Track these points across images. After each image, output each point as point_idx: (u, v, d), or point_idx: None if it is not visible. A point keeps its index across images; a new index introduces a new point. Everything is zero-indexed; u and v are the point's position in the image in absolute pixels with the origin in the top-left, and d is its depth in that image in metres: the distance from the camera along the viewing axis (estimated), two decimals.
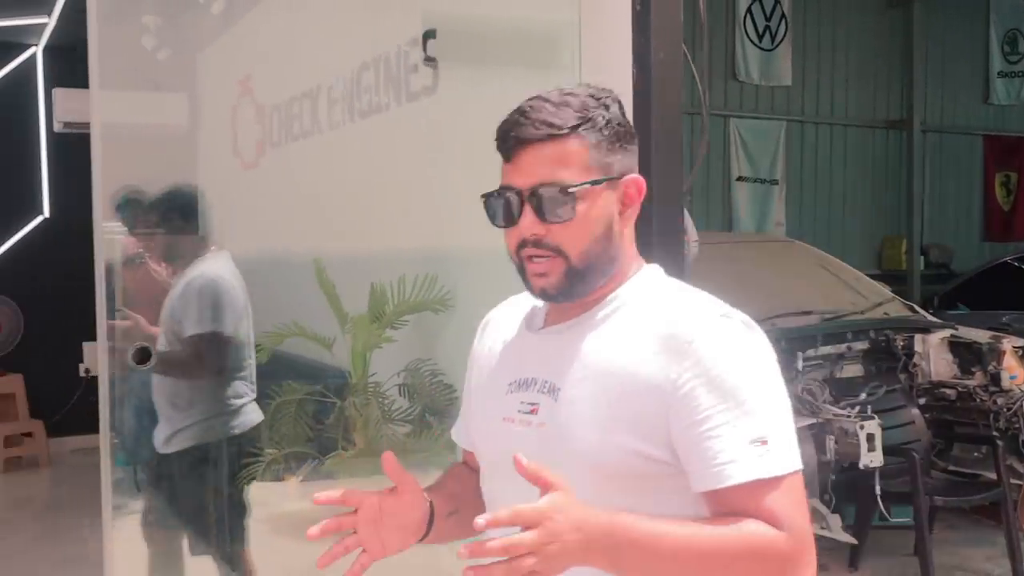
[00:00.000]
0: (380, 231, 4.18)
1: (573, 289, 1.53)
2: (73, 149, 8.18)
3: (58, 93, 7.98)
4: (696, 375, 1.41)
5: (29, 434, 7.72)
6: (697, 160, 3.09)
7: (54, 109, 8.01)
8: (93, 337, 8.20)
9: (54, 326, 7.97)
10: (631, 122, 1.62)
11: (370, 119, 4.81)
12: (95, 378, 8.08)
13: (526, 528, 1.27)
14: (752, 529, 1.37)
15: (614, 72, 2.68)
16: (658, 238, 2.59)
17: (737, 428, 1.39)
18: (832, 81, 11.09)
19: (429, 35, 4.10)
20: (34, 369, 7.83)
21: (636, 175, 1.55)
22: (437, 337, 4.03)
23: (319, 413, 4.13)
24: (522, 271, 1.54)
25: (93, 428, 8.34)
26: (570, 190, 1.47)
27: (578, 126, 1.49)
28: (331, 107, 5.66)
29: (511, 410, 1.56)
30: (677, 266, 2.65)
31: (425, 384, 3.91)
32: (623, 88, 2.66)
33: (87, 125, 8.23)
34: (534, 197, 1.48)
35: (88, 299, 8.10)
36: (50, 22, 7.13)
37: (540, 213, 1.49)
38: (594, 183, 1.49)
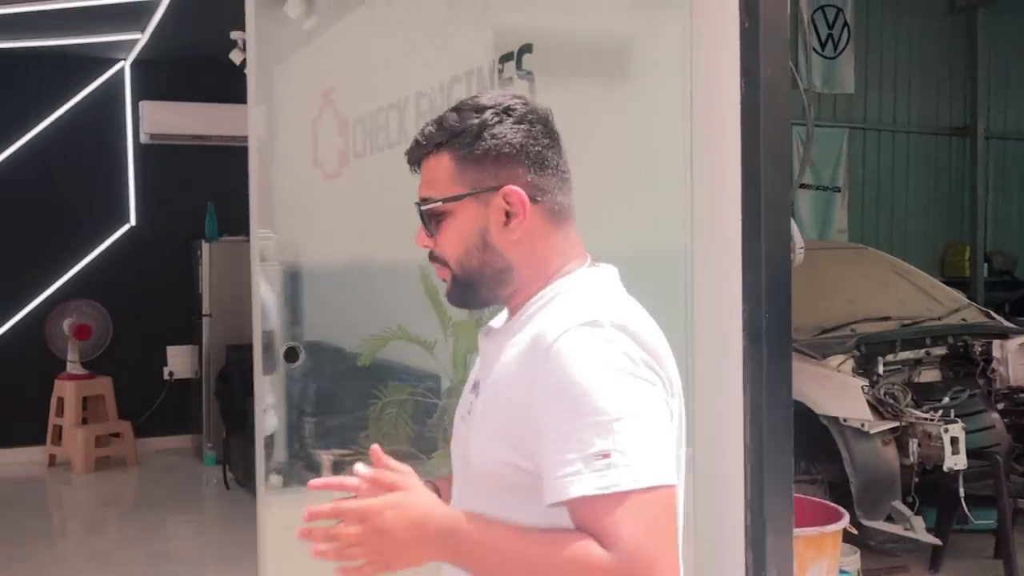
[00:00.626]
0: None
1: (465, 297, 1.59)
2: (158, 160, 8.50)
3: (144, 106, 8.30)
4: (548, 383, 1.39)
5: (117, 434, 8.00)
6: (800, 171, 3.21)
7: (140, 121, 8.34)
8: (176, 341, 8.54)
9: (139, 330, 8.26)
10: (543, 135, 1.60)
11: None
12: (178, 381, 8.41)
13: (347, 522, 1.35)
14: (579, 546, 1.32)
15: (722, 86, 2.82)
16: (767, 245, 2.72)
17: (581, 440, 1.34)
18: (895, 88, 11.09)
19: (525, 49, 4.28)
20: (121, 372, 8.11)
21: (513, 187, 1.52)
22: None
23: (420, 413, 4.31)
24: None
25: (176, 430, 8.68)
26: (428, 207, 1.55)
27: (443, 143, 1.54)
28: (419, 119, 5.85)
29: (463, 409, 1.62)
30: (785, 272, 2.79)
31: None
32: (731, 101, 2.80)
33: (172, 136, 8.57)
34: (418, 213, 1.57)
35: (170, 304, 8.44)
36: (142, 38, 7.41)
37: (425, 227, 1.57)
38: (454, 199, 1.53)
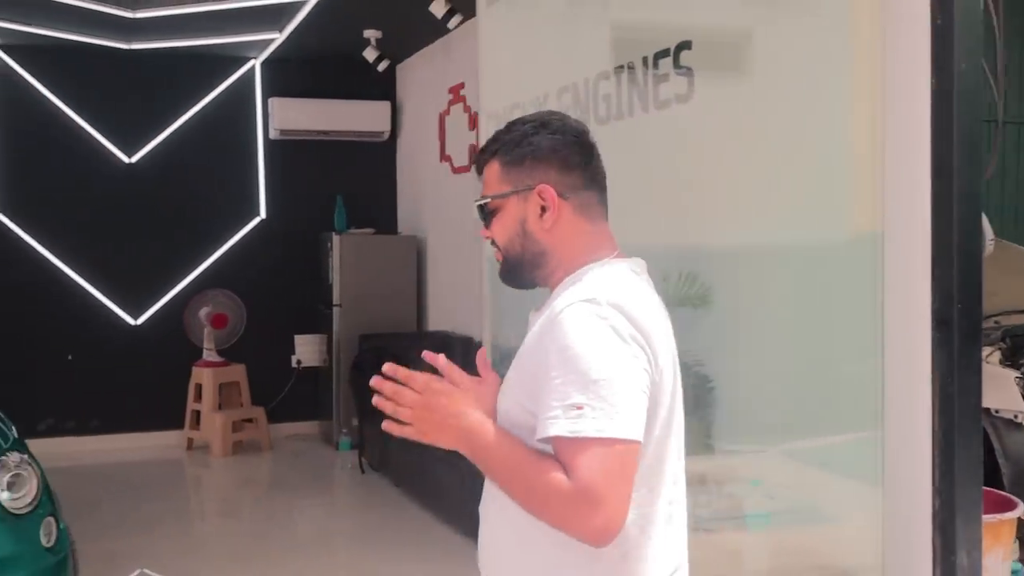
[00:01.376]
0: (638, 231, 4.45)
1: (512, 277, 1.95)
2: (286, 155, 8.79)
3: (274, 103, 8.58)
4: (552, 344, 1.69)
5: (250, 420, 8.32)
6: (988, 166, 3.25)
7: (270, 117, 8.63)
8: (303, 330, 8.81)
9: (269, 320, 8.56)
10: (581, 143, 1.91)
11: (609, 125, 5.09)
12: (306, 369, 8.67)
13: (411, 388, 1.75)
14: (553, 474, 1.63)
15: (914, 82, 2.87)
16: (958, 238, 2.78)
17: (564, 392, 1.64)
18: None
19: (684, 46, 4.36)
20: (254, 359, 8.43)
21: (546, 185, 1.86)
22: (692, 331, 4.27)
23: None
24: None
25: (305, 416, 8.96)
26: (484, 203, 1.92)
27: (495, 151, 1.92)
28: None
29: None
30: (976, 264, 2.84)
31: (684, 375, 4.15)
32: (922, 97, 2.85)
33: (300, 132, 8.83)
34: (477, 209, 1.95)
35: (298, 294, 8.71)
36: (279, 37, 7.66)
37: (483, 221, 1.94)
38: (501, 196, 1.89)
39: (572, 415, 1.62)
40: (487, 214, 1.92)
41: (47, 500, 3.74)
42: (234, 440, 8.13)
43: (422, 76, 8.42)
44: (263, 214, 8.74)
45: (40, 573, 3.54)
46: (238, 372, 8.31)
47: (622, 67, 5.11)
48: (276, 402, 8.60)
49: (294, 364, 8.71)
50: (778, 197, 3.53)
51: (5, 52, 7.98)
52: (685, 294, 4.07)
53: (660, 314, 1.83)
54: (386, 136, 8.88)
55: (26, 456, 3.76)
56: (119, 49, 7.90)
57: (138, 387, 8.32)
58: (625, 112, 5.03)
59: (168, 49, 7.98)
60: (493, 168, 1.91)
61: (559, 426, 1.63)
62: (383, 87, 8.88)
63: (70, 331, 8.18)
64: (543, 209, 1.86)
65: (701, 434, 4.27)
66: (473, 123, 7.31)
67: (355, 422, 7.76)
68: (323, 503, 7.09)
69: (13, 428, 3.93)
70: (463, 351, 7.22)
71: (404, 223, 8.94)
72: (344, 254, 8.12)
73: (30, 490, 3.66)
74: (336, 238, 8.17)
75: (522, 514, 1.70)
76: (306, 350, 8.73)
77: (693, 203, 4.37)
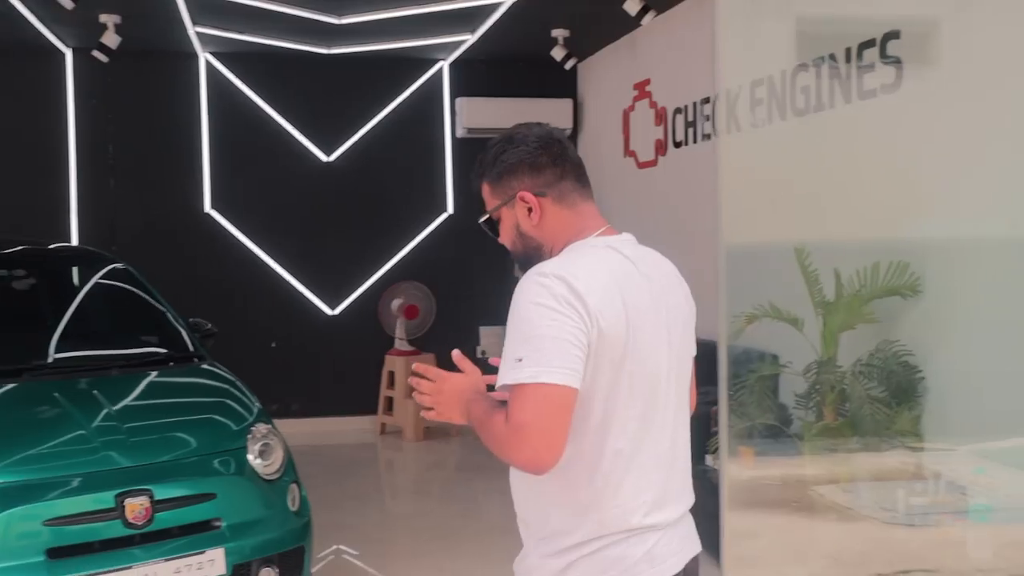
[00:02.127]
0: (841, 222, 4.48)
1: (527, 261, 2.21)
2: (473, 152, 9.05)
3: (461, 102, 8.90)
4: (510, 310, 2.01)
5: None
6: None
7: (457, 116, 8.95)
8: (487, 322, 9.07)
9: (456, 311, 8.88)
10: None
11: (807, 117, 5.11)
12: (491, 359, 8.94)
13: (429, 380, 2.15)
14: (497, 415, 1.97)
15: None
16: None
17: (512, 349, 1.96)
18: None
19: (892, 36, 4.36)
20: (442, 350, 8.74)
21: (523, 191, 2.16)
22: (901, 320, 4.27)
23: (783, 389, 4.49)
24: None
25: None
26: (483, 220, 2.31)
27: (481, 175, 2.26)
28: (753, 106, 6.00)
29: None
30: None
31: (891, 364, 4.17)
32: None
33: (486, 130, 9.11)
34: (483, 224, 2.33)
35: (483, 287, 8.97)
36: (471, 39, 7.95)
37: (491, 233, 2.31)
38: (494, 210, 2.25)
39: (515, 366, 1.94)
40: (492, 227, 2.29)
41: (291, 468, 4.08)
42: (424, 426, 8.48)
43: (606, 73, 8.56)
44: (450, 209, 9.07)
45: (288, 535, 3.86)
46: (429, 361, 8.63)
47: (822, 59, 5.14)
48: None
49: (479, 355, 8.99)
50: (990, 187, 3.52)
51: (217, 59, 8.56)
52: (893, 284, 4.09)
53: (626, 283, 2.09)
54: (568, 133, 9.06)
55: (272, 427, 4.10)
56: (320, 54, 8.35)
57: (335, 374, 8.79)
58: (826, 103, 5.06)
59: (364, 53, 8.39)
60: (485, 189, 2.27)
61: (505, 376, 1.96)
62: (565, 85, 9.07)
63: (273, 320, 8.70)
64: (529, 210, 2.17)
65: (910, 424, 4.27)
66: (659, 118, 7.40)
67: None
68: (488, 488, 7.29)
69: (257, 402, 4.29)
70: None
71: None
72: None
73: (277, 458, 4.00)
74: None
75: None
76: (490, 341, 9.01)
77: (901, 193, 4.37)
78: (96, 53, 7.42)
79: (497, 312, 8.84)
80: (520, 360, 1.93)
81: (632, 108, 7.92)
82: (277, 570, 3.81)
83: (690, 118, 6.92)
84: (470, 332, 8.94)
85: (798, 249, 4.42)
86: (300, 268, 8.80)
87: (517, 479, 2.19)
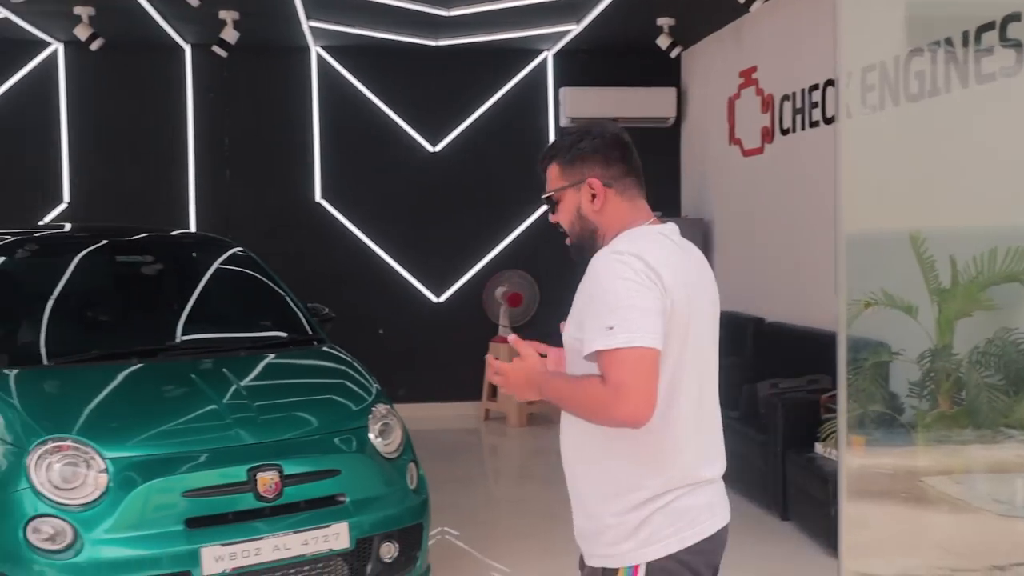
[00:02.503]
0: (956, 209, 4.42)
1: (578, 252, 2.47)
2: None
3: (565, 92, 8.96)
4: (590, 287, 2.25)
5: None
6: None
7: (561, 106, 9.02)
8: None
9: (558, 299, 8.92)
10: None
11: (921, 103, 5.05)
12: None
13: (499, 366, 2.38)
14: (590, 380, 2.15)
15: None
16: None
17: (600, 319, 2.15)
18: None
19: (1012, 18, 4.29)
20: (544, 337, 8.84)
21: (593, 178, 2.38)
22: (1020, 308, 4.21)
23: (893, 377, 4.46)
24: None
25: None
26: (548, 196, 2.49)
27: (553, 157, 2.47)
28: (865, 92, 5.93)
29: None
30: None
31: (1010, 352, 4.11)
32: None
33: (590, 119, 9.12)
34: (546, 200, 2.52)
35: (579, 277, 9.00)
36: (576, 29, 8.02)
37: (550, 211, 2.51)
38: (561, 189, 2.46)
39: (606, 333, 2.12)
40: (552, 204, 2.49)
41: (409, 448, 4.22)
42: (528, 412, 8.60)
43: (710, 61, 8.53)
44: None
45: (407, 512, 4.00)
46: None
47: (937, 43, 5.06)
48: None
49: None
50: None
51: (328, 52, 8.79)
52: (1012, 270, 4.02)
53: (681, 263, 2.32)
54: (671, 121, 9.06)
55: (391, 407, 4.25)
56: (428, 46, 8.51)
57: (440, 360, 8.96)
58: (941, 88, 4.99)
59: (470, 44, 8.52)
60: (553, 169, 2.48)
61: (597, 342, 2.14)
62: (669, 73, 9.06)
63: (380, 307, 8.90)
64: (593, 196, 2.39)
65: None
66: (766, 106, 7.36)
67: None
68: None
69: (376, 383, 4.45)
70: (754, 331, 7.31)
71: (688, 206, 9.10)
72: None
73: (396, 437, 4.15)
74: None
75: (586, 426, 2.27)
76: None
77: (1020, 178, 4.30)
78: (216, 48, 7.70)
79: None
80: (611, 328, 2.12)
81: (738, 96, 7.88)
82: (397, 546, 3.95)
83: (798, 105, 6.86)
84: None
85: (913, 236, 4.38)
86: (406, 256, 8.99)
87: (581, 445, 2.39)
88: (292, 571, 3.66)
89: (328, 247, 8.81)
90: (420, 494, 4.14)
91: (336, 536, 3.73)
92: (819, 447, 5.26)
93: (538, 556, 5.07)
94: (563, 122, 9.01)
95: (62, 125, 8.49)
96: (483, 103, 8.99)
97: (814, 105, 6.63)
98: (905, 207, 5.09)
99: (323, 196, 8.86)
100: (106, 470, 3.49)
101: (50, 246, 5.01)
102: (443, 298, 9.07)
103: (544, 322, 8.84)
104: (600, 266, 2.24)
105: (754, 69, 7.56)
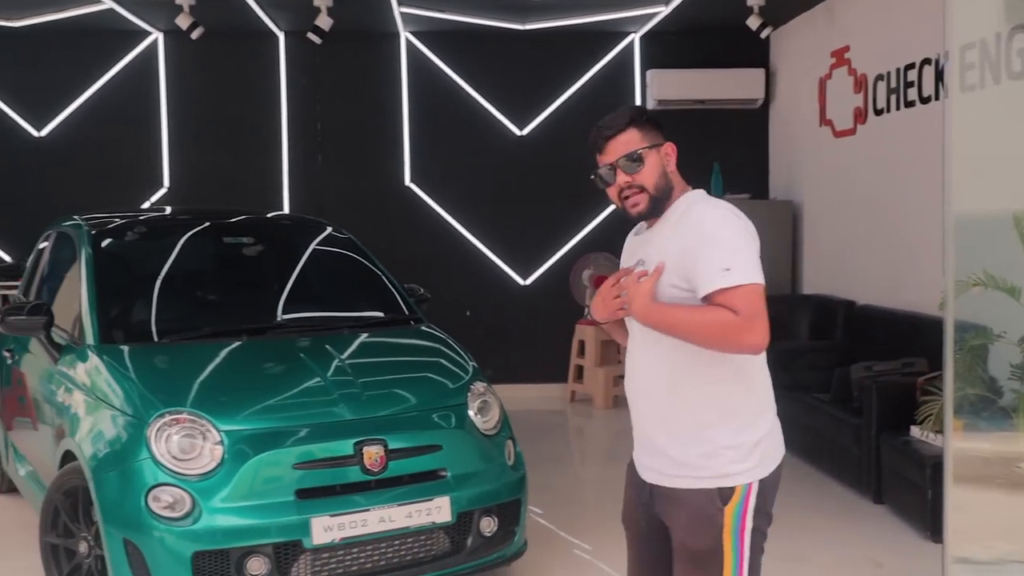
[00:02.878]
0: None
1: (655, 209, 2.72)
2: (664, 124, 9.11)
3: (652, 74, 8.95)
4: (700, 237, 2.54)
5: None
6: None
7: (648, 88, 9.01)
8: None
9: None
10: None
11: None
12: None
13: (613, 284, 2.70)
14: (720, 311, 2.45)
15: None
16: None
17: (718, 261, 2.48)
18: None
19: None
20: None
21: (670, 143, 2.73)
22: None
23: (996, 359, 4.40)
24: (623, 208, 2.79)
25: None
26: (635, 153, 2.68)
27: (628, 123, 2.71)
28: (963, 71, 5.83)
29: (637, 271, 2.72)
30: None
31: None
32: None
33: (677, 101, 9.10)
34: (620, 162, 2.70)
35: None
36: (664, 10, 8.00)
37: (625, 173, 2.70)
38: (648, 148, 2.69)
39: (726, 274, 2.47)
40: (636, 162, 2.69)
41: (506, 425, 4.31)
42: (613, 394, 8.65)
43: (800, 41, 8.43)
44: None
45: (505, 487, 4.09)
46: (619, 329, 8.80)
47: None
48: None
49: None
50: None
51: (417, 38, 8.91)
52: None
53: None
54: (759, 103, 8.99)
55: (488, 385, 4.34)
56: (515, 30, 8.57)
57: (526, 342, 9.05)
58: None
59: (557, 28, 8.56)
60: (631, 135, 2.71)
61: (719, 281, 2.47)
62: (756, 55, 8.98)
63: (468, 289, 9.02)
64: (667, 159, 2.72)
65: None
66: (859, 86, 7.27)
67: None
68: None
69: (472, 361, 4.54)
70: (845, 315, 7.24)
71: (776, 188, 9.02)
72: None
73: (494, 415, 4.24)
74: None
75: (677, 353, 2.57)
76: None
77: None
78: (311, 35, 7.86)
79: None
80: (728, 269, 2.47)
81: (829, 76, 7.79)
82: (496, 520, 4.04)
83: (893, 85, 6.76)
84: None
85: (1017, 216, 4.32)
86: (493, 239, 9.09)
87: (684, 374, 2.62)
88: (396, 543, 3.78)
89: (417, 230, 8.95)
90: (518, 470, 4.23)
91: (438, 509, 3.83)
92: (915, 430, 5.21)
93: (622, 538, 5.08)
94: (650, 104, 8.99)
95: (162, 112, 8.78)
96: (570, 86, 9.03)
97: (909, 85, 6.53)
98: (1007, 187, 5.00)
99: (412, 180, 9.00)
100: (221, 442, 3.64)
101: (158, 228, 5.20)
102: (530, 280, 9.15)
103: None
104: (711, 220, 2.58)
105: (846, 49, 7.46)
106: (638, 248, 2.83)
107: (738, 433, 2.58)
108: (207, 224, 5.16)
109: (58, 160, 8.70)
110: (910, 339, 6.13)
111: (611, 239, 8.99)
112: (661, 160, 2.69)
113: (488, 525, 4.02)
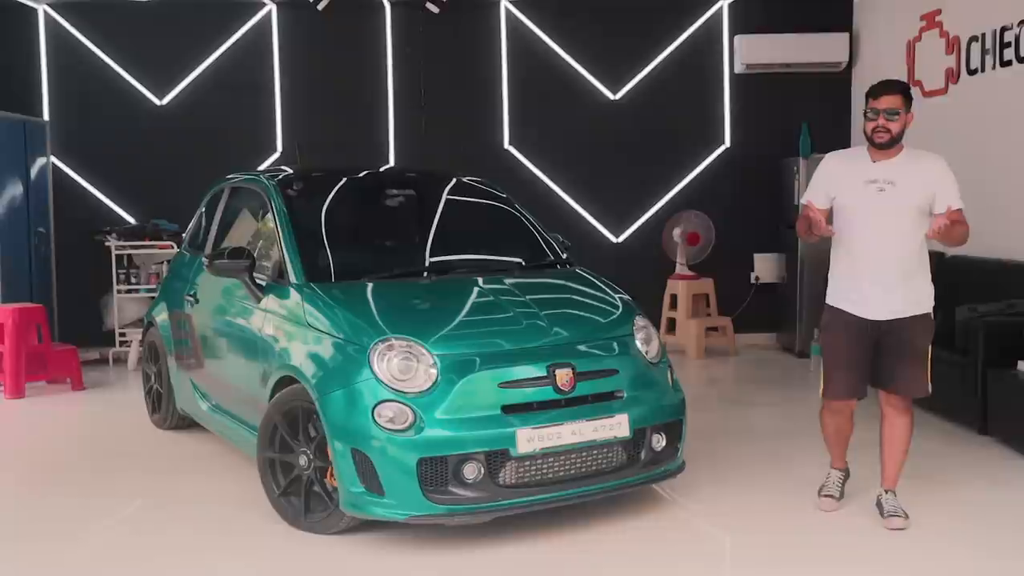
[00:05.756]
0: None
1: (893, 143, 4.33)
2: (750, 88, 9.55)
3: (740, 40, 9.33)
4: (944, 174, 4.34)
5: (715, 328, 9.28)
6: None
7: (736, 54, 9.40)
8: (762, 249, 9.53)
9: (731, 239, 9.42)
10: None
11: None
12: (763, 285, 9.40)
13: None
14: (961, 220, 4.32)
15: None
16: None
17: (955, 190, 4.31)
18: None
19: None
20: (720, 274, 9.36)
21: (911, 111, 4.38)
22: None
23: None
24: (870, 137, 4.35)
25: (762, 327, 9.70)
26: (901, 111, 4.32)
27: (904, 91, 4.38)
28: None
29: (872, 188, 4.37)
30: None
31: None
32: None
33: (765, 66, 9.48)
34: (888, 110, 4.33)
35: (758, 216, 9.39)
36: None
37: (887, 117, 4.31)
38: (905, 111, 4.33)
39: (957, 201, 4.28)
40: (894, 115, 4.28)
41: (665, 354, 4.80)
42: (705, 345, 9.10)
43: (889, 4, 8.77)
44: (727, 143, 9.59)
45: (670, 407, 4.60)
46: (707, 285, 9.28)
47: None
48: (736, 314, 9.49)
49: (752, 280, 9.53)
50: None
51: (515, 6, 9.35)
52: None
53: None
54: (843, 66, 9.36)
55: (646, 319, 4.85)
56: None
57: None
58: None
59: None
60: (900, 98, 4.33)
61: (959, 203, 4.28)
62: (841, 19, 9.36)
63: None
64: (907, 122, 4.36)
65: None
66: (951, 47, 7.63)
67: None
68: (791, 400, 7.77)
69: (628, 297, 5.05)
70: (937, 266, 7.60)
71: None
72: (810, 177, 8.70)
73: (655, 344, 4.74)
74: (803, 163, 8.82)
75: (915, 248, 4.42)
76: (764, 267, 9.51)
77: None
78: (429, 5, 8.32)
79: (773, 240, 9.35)
80: (960, 197, 4.30)
81: (918, 39, 8.15)
82: (664, 437, 4.54)
83: (987, 46, 7.13)
84: (746, 258, 9.48)
85: None
86: (588, 199, 9.56)
87: (917, 252, 4.43)
88: (583, 454, 4.27)
89: (515, 191, 9.19)
90: (678, 393, 4.72)
91: (619, 425, 4.32)
92: (1022, 364, 5.65)
93: (708, 482, 5.37)
94: (738, 69, 9.41)
95: (275, 80, 9.28)
96: (661, 52, 9.46)
97: (1006, 45, 6.90)
98: None
99: (511, 143, 9.48)
100: (435, 364, 4.15)
101: (329, 183, 5.62)
102: (622, 238, 9.63)
103: (719, 262, 9.34)
104: (944, 167, 4.36)
105: (938, 12, 7.82)
106: (863, 169, 4.40)
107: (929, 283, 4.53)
108: (373, 177, 5.65)
109: (178, 128, 9.23)
110: (1002, 285, 6.55)
111: (700, 198, 9.46)
112: (905, 119, 4.31)
113: (658, 441, 4.51)
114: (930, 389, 4.47)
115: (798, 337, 9.00)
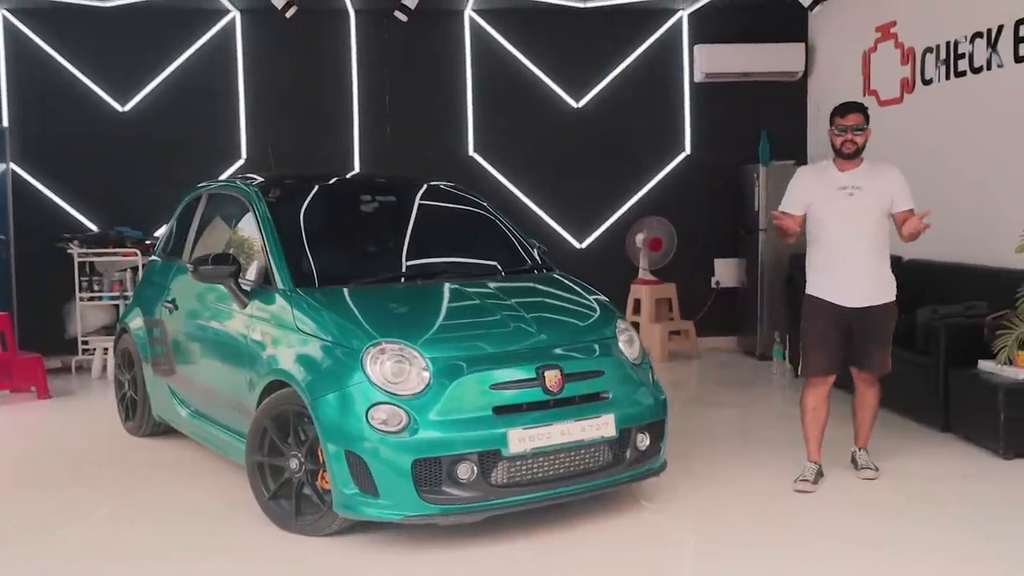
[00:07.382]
0: None
1: (856, 155, 5.07)
2: (710, 96, 9.75)
3: (699, 49, 9.53)
4: (899, 181, 5.07)
5: (678, 332, 9.45)
6: None
7: (696, 63, 9.59)
8: (722, 254, 9.71)
9: (692, 244, 9.60)
10: None
11: None
12: (724, 289, 9.58)
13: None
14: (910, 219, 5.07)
15: None
16: None
17: (907, 191, 5.06)
18: None
19: None
20: (682, 279, 9.53)
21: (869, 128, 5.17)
22: None
23: None
24: (839, 149, 5.09)
25: (723, 331, 9.86)
26: (866, 129, 5.10)
27: (863, 110, 5.13)
28: (1018, 44, 6.45)
29: (842, 194, 5.05)
30: None
31: None
32: None
33: (723, 75, 9.68)
34: (855, 126, 5.09)
35: (718, 221, 9.53)
36: None
37: (854, 132, 5.06)
38: (867, 127, 5.11)
39: (908, 202, 5.03)
40: (860, 131, 5.02)
41: (646, 356, 4.93)
42: (668, 348, 9.26)
43: (844, 17, 9.01)
44: (688, 150, 9.77)
45: (652, 408, 4.72)
46: (670, 290, 9.43)
47: None
48: (698, 318, 9.66)
49: (713, 284, 9.71)
50: None
51: (480, 16, 9.44)
52: None
53: None
54: (799, 76, 9.60)
55: (627, 322, 4.97)
56: (575, 8, 9.12)
57: None
58: None
59: (613, 6, 9.12)
60: (861, 115, 5.05)
61: (910, 204, 5.03)
62: (797, 30, 9.60)
63: None
64: (866, 137, 5.10)
65: None
66: (906, 58, 7.87)
67: (783, 335, 8.61)
68: (756, 401, 7.96)
69: (607, 301, 5.16)
70: (894, 270, 7.84)
71: (815, 157, 9.62)
72: (769, 183, 8.92)
73: (637, 346, 4.86)
74: (762, 169, 9.02)
75: (880, 243, 5.12)
76: (725, 272, 9.71)
77: None
78: (397, 13, 8.39)
79: (732, 246, 9.54)
80: (911, 199, 5.01)
81: (874, 49, 8.39)
82: (648, 436, 4.66)
83: (943, 56, 7.37)
84: (707, 263, 9.67)
85: None
86: (552, 205, 9.69)
87: (881, 246, 5.10)
88: (572, 454, 4.36)
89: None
90: (660, 394, 4.84)
91: (605, 425, 4.43)
92: (984, 363, 5.86)
93: (681, 478, 5.51)
94: (697, 77, 9.60)
95: (239, 87, 9.27)
96: (623, 61, 9.63)
97: (960, 56, 7.14)
98: None
99: (475, 150, 9.57)
100: (428, 367, 4.22)
101: (308, 189, 5.65)
102: (585, 244, 9.76)
103: (682, 264, 9.51)
104: (896, 173, 5.07)
105: (893, 23, 8.06)
106: (832, 178, 5.08)
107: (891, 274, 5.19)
108: (354, 183, 5.70)
109: (141, 134, 9.17)
110: (960, 287, 6.78)
111: (663, 204, 9.63)
112: (868, 135, 5.05)
113: (642, 440, 4.63)
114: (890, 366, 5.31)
115: (759, 340, 9.20)
